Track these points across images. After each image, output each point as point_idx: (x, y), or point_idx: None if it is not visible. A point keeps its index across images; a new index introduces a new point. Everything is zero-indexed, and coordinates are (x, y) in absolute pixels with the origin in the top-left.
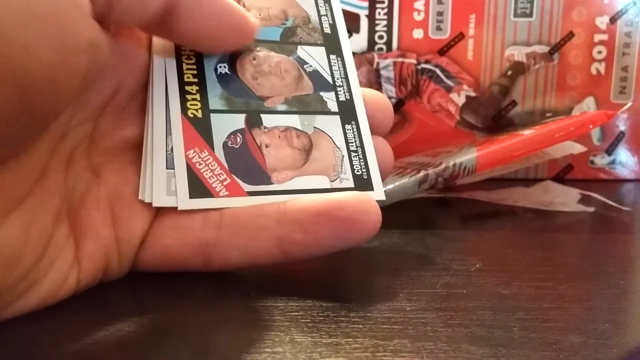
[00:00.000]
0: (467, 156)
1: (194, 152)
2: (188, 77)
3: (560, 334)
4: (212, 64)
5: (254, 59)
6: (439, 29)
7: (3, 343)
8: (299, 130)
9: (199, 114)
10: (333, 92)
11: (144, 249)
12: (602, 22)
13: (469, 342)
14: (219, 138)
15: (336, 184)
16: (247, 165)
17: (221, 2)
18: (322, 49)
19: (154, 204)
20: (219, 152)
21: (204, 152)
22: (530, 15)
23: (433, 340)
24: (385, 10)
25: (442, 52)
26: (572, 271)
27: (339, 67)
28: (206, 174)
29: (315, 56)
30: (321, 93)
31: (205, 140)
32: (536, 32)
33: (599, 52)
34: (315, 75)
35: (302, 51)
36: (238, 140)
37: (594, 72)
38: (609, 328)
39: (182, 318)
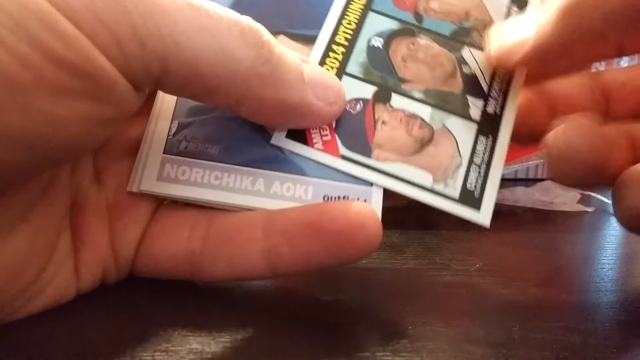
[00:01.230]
0: None
1: None
2: (339, 39)
3: (560, 334)
4: (369, 34)
5: (413, 43)
6: None
7: (4, 344)
8: (424, 121)
9: (332, 72)
10: (482, 101)
11: (137, 256)
12: None
13: (469, 342)
14: None
15: (438, 187)
16: (354, 131)
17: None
18: None
19: (141, 189)
20: None
21: None
22: None
23: (433, 340)
24: None
25: None
26: (572, 271)
27: (502, 81)
28: None
29: (480, 62)
30: (468, 97)
31: None
32: None
33: None
34: (469, 79)
35: (467, 52)
36: (358, 107)
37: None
38: (609, 328)
39: (181, 320)
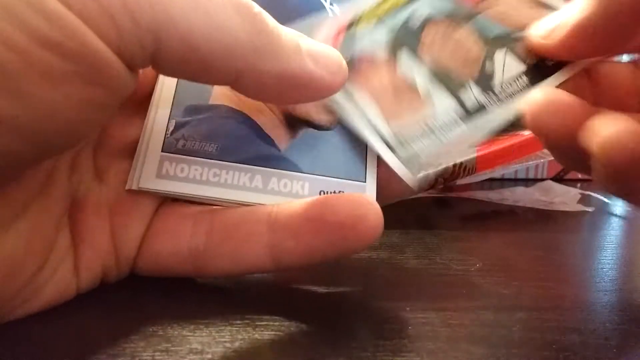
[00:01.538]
0: (467, 156)
1: None
2: (377, 12)
3: (560, 334)
4: (411, 13)
5: (450, 27)
6: None
7: (4, 343)
8: (415, 83)
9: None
10: (483, 95)
11: (138, 255)
12: None
13: (469, 342)
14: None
15: (389, 136)
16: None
17: (285, 71)
18: (520, 66)
19: (140, 186)
20: None
21: None
22: None
23: (433, 340)
24: None
25: None
26: (572, 271)
27: (518, 85)
28: None
29: (506, 66)
30: (472, 84)
31: None
32: None
33: None
34: (485, 73)
35: (500, 54)
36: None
37: None
38: (609, 328)
39: (181, 319)
